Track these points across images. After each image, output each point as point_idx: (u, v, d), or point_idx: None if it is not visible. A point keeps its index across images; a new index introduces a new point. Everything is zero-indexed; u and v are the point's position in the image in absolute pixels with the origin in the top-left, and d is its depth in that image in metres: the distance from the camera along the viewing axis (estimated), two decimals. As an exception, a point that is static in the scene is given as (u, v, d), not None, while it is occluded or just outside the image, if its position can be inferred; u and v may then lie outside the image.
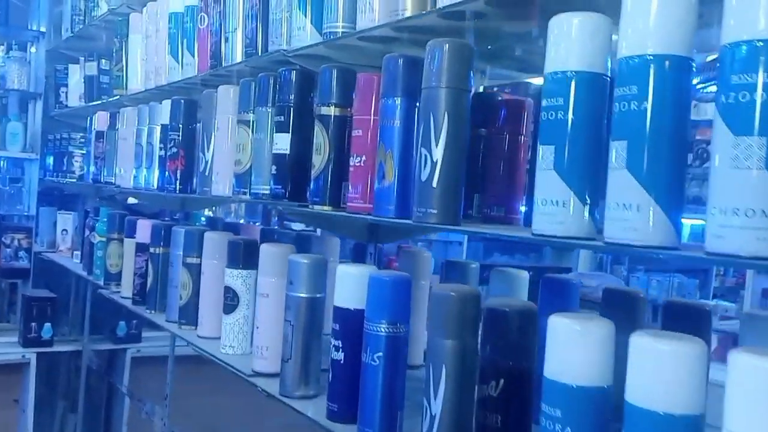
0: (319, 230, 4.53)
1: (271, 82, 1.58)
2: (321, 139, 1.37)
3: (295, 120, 1.49)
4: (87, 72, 3.00)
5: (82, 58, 3.09)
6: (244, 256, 1.72)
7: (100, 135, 2.73)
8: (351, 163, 1.30)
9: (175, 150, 2.03)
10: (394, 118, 1.19)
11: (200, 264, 1.92)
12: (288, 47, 1.53)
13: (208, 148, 1.86)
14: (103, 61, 2.94)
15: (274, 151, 1.52)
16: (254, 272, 1.72)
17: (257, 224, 2.62)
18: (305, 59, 1.54)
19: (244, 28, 1.72)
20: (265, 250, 1.58)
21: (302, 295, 1.39)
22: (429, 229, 1.15)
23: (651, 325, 1.29)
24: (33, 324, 3.52)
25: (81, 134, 3.29)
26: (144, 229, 2.31)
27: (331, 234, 1.75)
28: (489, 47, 1.27)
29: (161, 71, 2.20)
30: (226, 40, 1.79)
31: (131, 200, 3.37)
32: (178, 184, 2.04)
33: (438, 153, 1.06)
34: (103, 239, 2.73)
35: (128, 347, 3.73)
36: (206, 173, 1.86)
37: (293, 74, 1.50)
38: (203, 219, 2.95)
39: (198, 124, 2.08)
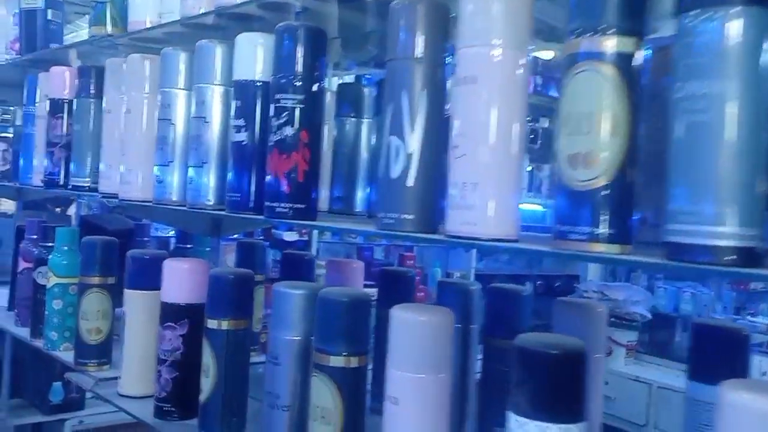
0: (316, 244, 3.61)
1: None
2: None
3: None
4: (23, 4, 1.84)
5: (14, -17, 1.91)
6: (554, 397, 0.72)
7: (57, 107, 1.60)
8: None
9: (291, 131, 0.98)
10: None
11: (365, 370, 0.91)
12: None
13: (413, 127, 0.83)
14: (54, -15, 1.79)
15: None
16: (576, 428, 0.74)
17: (353, 259, 1.58)
18: None
19: None
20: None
21: None
22: None
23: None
24: None
25: (3, 108, 2.11)
26: (176, 275, 1.24)
27: None
28: None
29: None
30: None
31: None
32: (294, 200, 0.99)
33: None
34: (68, 283, 1.61)
35: (67, 417, 2.63)
36: (408, 181, 0.83)
37: None
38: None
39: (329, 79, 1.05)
